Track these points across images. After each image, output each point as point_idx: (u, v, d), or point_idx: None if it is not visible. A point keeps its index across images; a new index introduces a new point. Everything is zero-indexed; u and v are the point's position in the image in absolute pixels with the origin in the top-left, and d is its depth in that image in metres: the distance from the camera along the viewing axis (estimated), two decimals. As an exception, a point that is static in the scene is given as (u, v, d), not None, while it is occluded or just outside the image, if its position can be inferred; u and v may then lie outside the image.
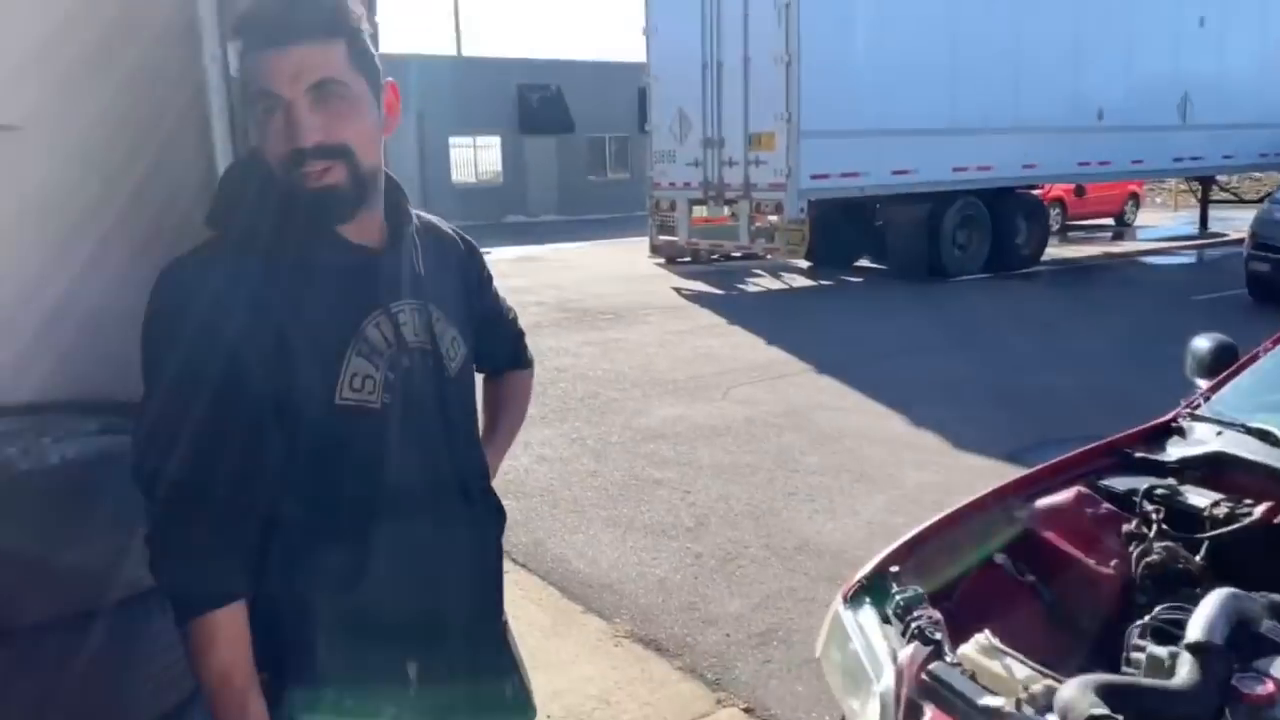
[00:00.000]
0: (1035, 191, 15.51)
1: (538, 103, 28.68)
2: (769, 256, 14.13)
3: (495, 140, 28.55)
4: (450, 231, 1.57)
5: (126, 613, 1.87)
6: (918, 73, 12.95)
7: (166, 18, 2.18)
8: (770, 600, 3.98)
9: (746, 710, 3.21)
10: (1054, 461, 2.44)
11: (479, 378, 1.61)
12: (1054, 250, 16.39)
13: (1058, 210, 18.75)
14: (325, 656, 1.33)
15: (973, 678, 1.69)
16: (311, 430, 1.30)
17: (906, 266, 13.71)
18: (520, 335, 1.77)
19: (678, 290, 13.15)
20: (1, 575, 1.73)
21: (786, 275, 14.61)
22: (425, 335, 1.41)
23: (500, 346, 1.72)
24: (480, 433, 1.59)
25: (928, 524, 2.25)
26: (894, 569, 2.05)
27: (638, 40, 14.45)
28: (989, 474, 5.30)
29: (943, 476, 5.41)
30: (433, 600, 1.40)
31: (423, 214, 1.52)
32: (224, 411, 1.24)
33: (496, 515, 1.52)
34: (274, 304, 1.27)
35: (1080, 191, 18.69)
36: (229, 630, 1.24)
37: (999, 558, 2.19)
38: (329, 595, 1.32)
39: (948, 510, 2.29)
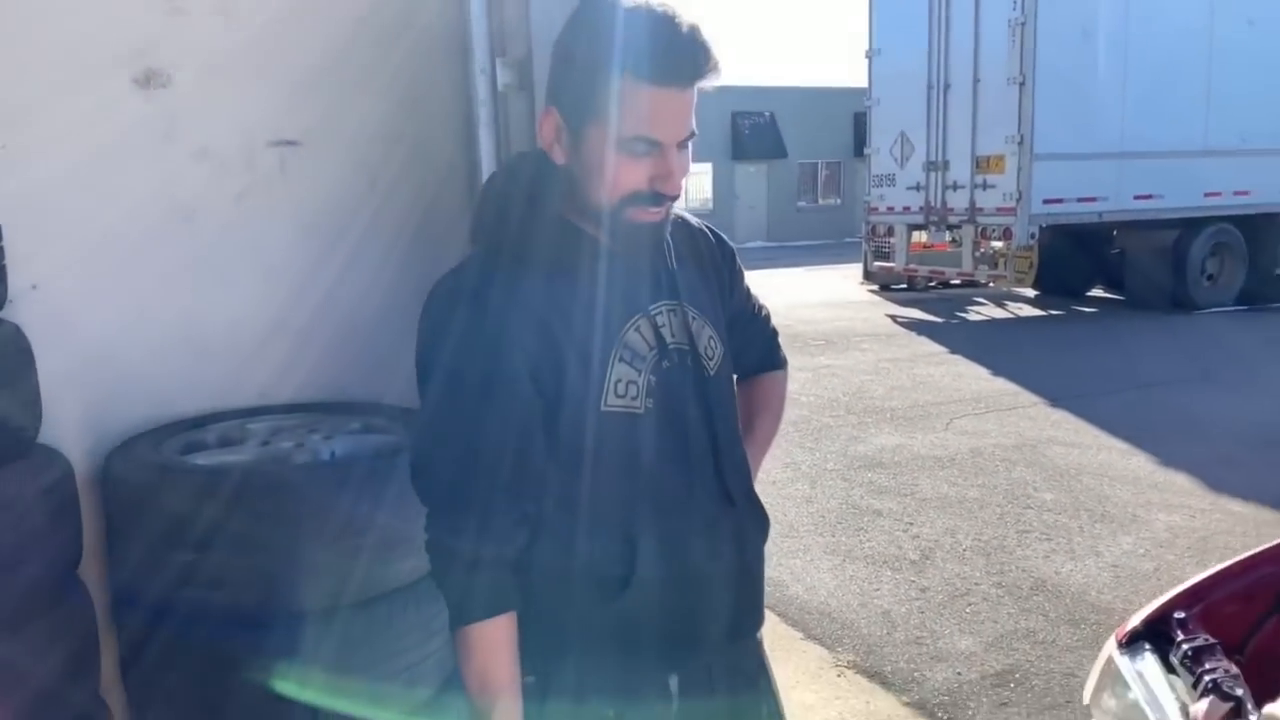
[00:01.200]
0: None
1: (750, 129, 28.81)
2: (993, 284, 13.48)
3: (708, 167, 28.86)
4: (699, 226, 1.53)
5: (387, 605, 1.95)
6: (1167, 90, 12.05)
7: (438, 33, 2.30)
8: (1004, 640, 3.73)
9: (982, 756, 3.01)
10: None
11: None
12: (1321, 282, 14.79)
13: (1326, 239, 16.91)
14: (589, 665, 1.32)
15: (1285, 742, 1.49)
16: (578, 437, 1.29)
17: (1146, 297, 12.74)
18: (774, 334, 1.69)
19: (893, 317, 12.77)
20: (275, 564, 1.83)
21: (1011, 304, 13.91)
22: (683, 336, 1.38)
23: (753, 345, 1.65)
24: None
25: (1216, 570, 2.02)
26: (1179, 615, 1.85)
27: (855, 66, 14.21)
28: (1255, 522, 4.83)
29: (1199, 522, 4.94)
30: (696, 608, 1.36)
31: (674, 210, 1.50)
32: (499, 420, 1.24)
33: (761, 520, 1.47)
34: (542, 313, 1.27)
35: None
36: (495, 638, 1.24)
37: (1303, 611, 1.94)
38: (594, 601, 1.31)
39: (1241, 555, 2.06)
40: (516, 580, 1.27)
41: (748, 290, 1.62)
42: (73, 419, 2.09)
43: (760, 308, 1.67)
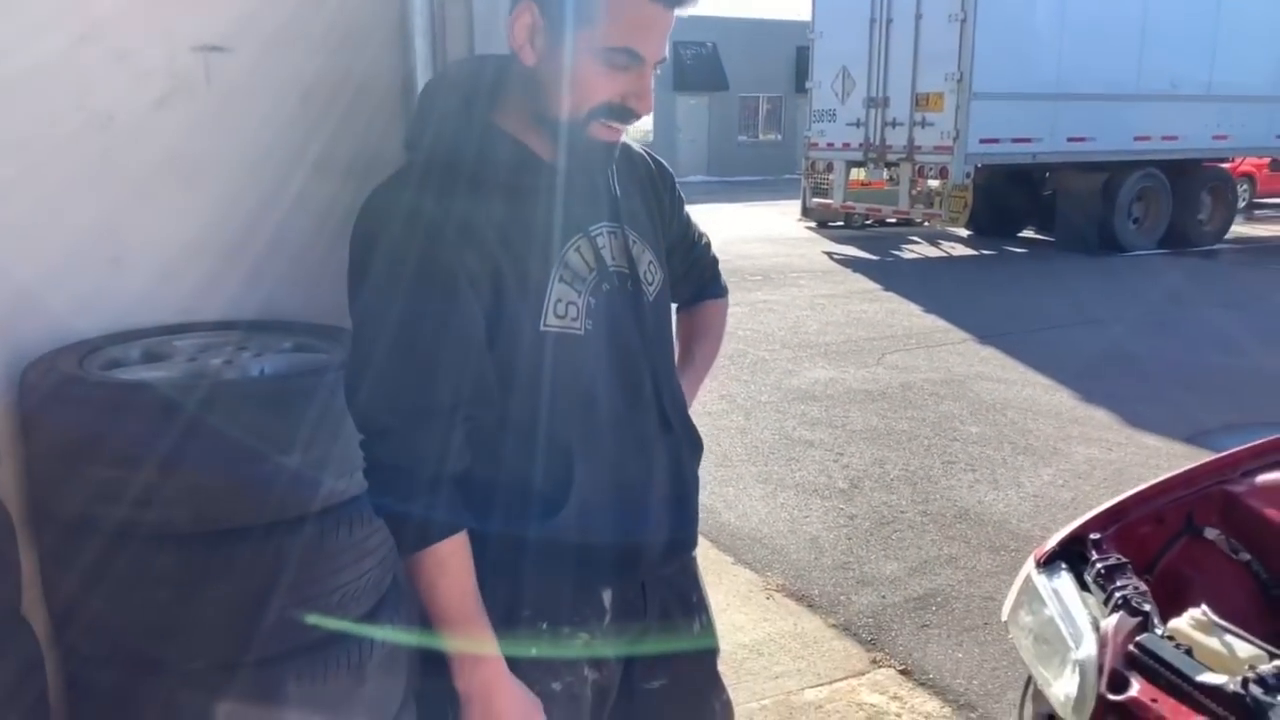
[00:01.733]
0: (1224, 165, 14.45)
1: (691, 59, 28.45)
2: (927, 223, 13.67)
3: (649, 98, 28.47)
4: (641, 151, 1.50)
5: (319, 524, 1.93)
6: (1103, 34, 12.21)
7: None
8: (928, 565, 3.86)
9: (903, 672, 3.12)
10: (1276, 438, 2.24)
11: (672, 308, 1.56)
12: (1239, 229, 15.29)
13: (1245, 186, 17.44)
14: (523, 580, 1.32)
15: (1188, 653, 1.57)
16: (516, 356, 1.27)
17: (1076, 239, 13.03)
18: (714, 262, 1.69)
19: (829, 254, 12.88)
20: (210, 481, 1.80)
21: (945, 243, 14.12)
22: (623, 259, 1.36)
23: (693, 273, 1.64)
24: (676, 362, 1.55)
25: (1129, 494, 2.10)
26: (1094, 536, 1.92)
27: (801, -4, 14.09)
28: (1168, 455, 5.03)
29: (1115, 455, 5.12)
30: (631, 527, 1.37)
31: None
32: (440, 337, 1.21)
33: (695, 444, 1.47)
34: (481, 228, 1.23)
35: (1277, 166, 17.29)
36: (457, 559, 1.22)
37: (1210, 533, 2.03)
38: (529, 518, 1.30)
39: (1153, 481, 2.14)
40: (465, 506, 1.25)
41: (688, 218, 1.60)
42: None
43: (701, 235, 1.65)
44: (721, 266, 1.70)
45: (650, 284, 1.40)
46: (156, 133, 2.24)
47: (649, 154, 1.52)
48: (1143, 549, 2.01)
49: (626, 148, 1.46)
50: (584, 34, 1.20)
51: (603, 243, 1.35)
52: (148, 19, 2.18)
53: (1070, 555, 1.95)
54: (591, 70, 1.21)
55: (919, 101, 12.31)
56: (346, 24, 2.31)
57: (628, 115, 1.25)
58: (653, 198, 1.48)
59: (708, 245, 1.68)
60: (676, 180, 1.57)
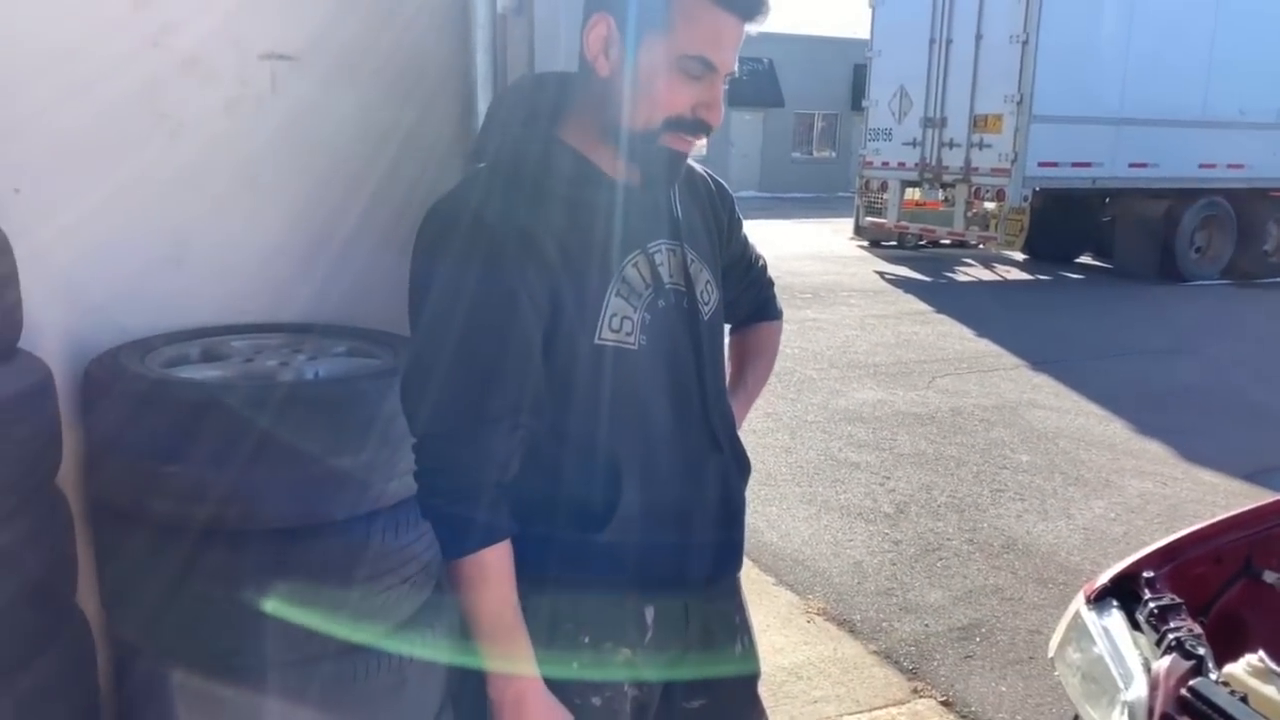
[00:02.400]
0: (1292, 195, 14.09)
1: (748, 75, 28.42)
2: (983, 246, 13.48)
3: (704, 112, 28.53)
4: (702, 172, 1.51)
5: (366, 526, 1.95)
6: (1169, 58, 11.98)
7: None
8: (973, 595, 3.79)
9: (944, 703, 3.07)
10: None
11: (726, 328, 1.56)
12: (1308, 261, 14.87)
13: (1316, 217, 16.96)
14: (566, 592, 1.32)
15: (1244, 700, 1.52)
16: (570, 367, 1.28)
17: (1135, 267, 12.79)
18: (769, 284, 1.70)
19: (881, 274, 12.77)
20: (255, 478, 1.83)
21: (999, 267, 13.93)
22: (680, 277, 1.37)
23: (748, 294, 1.65)
24: (726, 383, 1.55)
25: (1185, 532, 2.05)
26: (1148, 574, 1.88)
27: (857, 15, 14.02)
28: (1226, 493, 4.90)
29: (1170, 490, 5.01)
30: (677, 545, 1.37)
31: None
32: (497, 349, 1.22)
33: (743, 466, 1.47)
34: (542, 241, 1.24)
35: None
36: (499, 568, 1.23)
37: (1270, 577, 1.97)
38: (575, 531, 1.30)
39: (1210, 520, 2.08)
40: (511, 514, 1.26)
41: (745, 239, 1.61)
42: (54, 326, 2.06)
43: (757, 258, 1.66)
44: (767, 262, 1.71)
45: (706, 303, 1.40)
46: (223, 138, 2.29)
47: (710, 175, 1.53)
48: (1198, 590, 1.96)
49: (689, 167, 1.47)
50: (659, 43, 1.22)
51: (661, 259, 1.35)
52: (218, 26, 2.24)
53: (1122, 593, 1.91)
54: (666, 79, 1.22)
55: (977, 123, 12.18)
56: (412, 41, 2.35)
57: (700, 127, 1.26)
58: (712, 218, 1.49)
59: (764, 267, 1.69)
60: (736, 200, 1.57)
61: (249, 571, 1.81)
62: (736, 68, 1.26)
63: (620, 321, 1.29)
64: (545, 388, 1.27)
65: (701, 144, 1.32)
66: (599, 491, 1.30)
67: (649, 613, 1.37)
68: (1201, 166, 12.55)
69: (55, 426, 1.88)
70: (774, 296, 1.72)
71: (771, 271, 1.72)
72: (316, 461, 1.84)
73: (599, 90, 1.27)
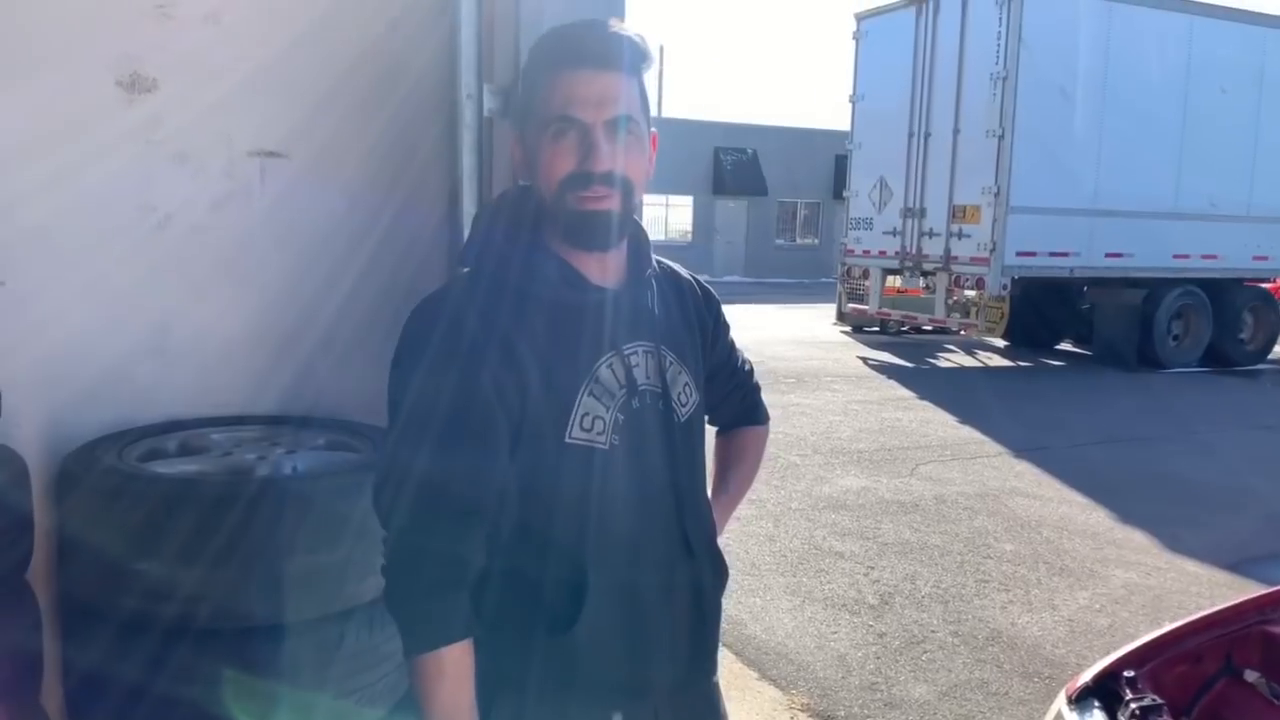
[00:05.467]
0: (1265, 285, 14.36)
1: (731, 165, 29.04)
2: (964, 333, 13.64)
3: (688, 200, 29.06)
4: (688, 278, 1.54)
5: (337, 625, 1.93)
6: (1140, 152, 12.32)
7: (428, 58, 2.31)
8: (958, 690, 3.74)
9: (931, 806, 3.00)
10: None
11: (711, 432, 1.57)
12: (1282, 349, 15.10)
13: (1289, 306, 17.27)
14: (530, 697, 1.30)
15: (1228, 806, 1.50)
16: (539, 467, 1.29)
17: (1114, 354, 12.92)
18: (755, 389, 1.70)
19: (864, 360, 12.87)
20: (227, 576, 1.81)
21: (981, 353, 14.06)
22: (657, 379, 1.38)
23: (733, 399, 1.66)
24: (709, 487, 1.54)
25: (1167, 629, 2.04)
26: (1129, 673, 1.86)
27: (838, 109, 14.41)
28: (1209, 583, 4.88)
29: (1154, 580, 4.99)
30: (646, 651, 1.36)
31: (663, 260, 1.50)
32: (466, 450, 1.24)
33: (719, 570, 1.46)
34: (519, 346, 1.27)
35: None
36: (456, 668, 1.22)
37: (1250, 675, 1.96)
38: (542, 637, 1.29)
39: (1192, 616, 2.08)
40: (472, 615, 1.25)
41: (731, 344, 1.63)
42: (31, 419, 2.05)
43: (744, 362, 1.68)
44: (754, 368, 1.72)
45: (684, 405, 1.41)
46: (209, 230, 2.33)
47: (696, 280, 1.55)
48: (1180, 688, 1.94)
49: (675, 273, 1.51)
50: (532, 127, 1.31)
51: (636, 361, 1.36)
52: (209, 125, 2.29)
53: (1104, 691, 1.89)
54: (545, 151, 1.29)
55: (956, 213, 12.42)
56: (396, 134, 2.41)
57: (587, 178, 1.27)
58: (696, 322, 1.50)
59: (750, 372, 1.70)
60: (722, 307, 1.59)
61: (218, 672, 1.78)
62: (625, 111, 1.28)
63: (592, 421, 1.30)
64: (514, 486, 1.27)
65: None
66: (564, 593, 1.29)
67: (616, 719, 1.35)
68: (1176, 256, 12.79)
69: (28, 519, 1.87)
70: (760, 402, 1.72)
71: (755, 356, 1.74)
72: (290, 558, 1.83)
73: (535, 193, 1.34)
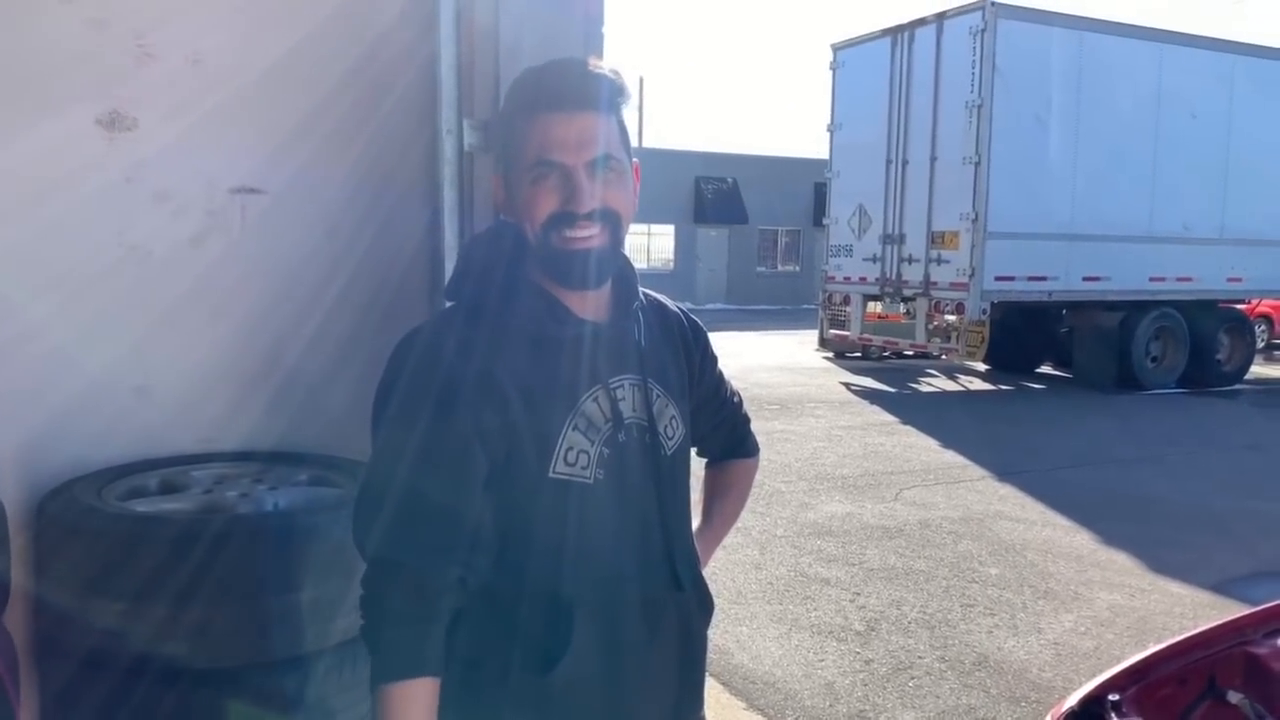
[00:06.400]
0: (1239, 306, 14.55)
1: (712, 194, 29.24)
2: (945, 357, 13.72)
3: (669, 229, 29.21)
4: (675, 310, 1.54)
5: (323, 662, 1.91)
6: (1114, 177, 12.51)
7: (409, 93, 2.32)
8: (946, 716, 3.73)
9: (921, 835, 2.98)
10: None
11: (699, 464, 1.57)
12: (1258, 369, 15.25)
13: (1264, 327, 17.51)
14: None
15: (1214, 830, 1.50)
16: (523, 501, 1.28)
17: (1093, 376, 13.04)
18: (744, 421, 1.70)
19: (846, 385, 12.91)
20: (214, 615, 1.79)
21: (962, 377, 14.13)
22: (643, 412, 1.37)
23: (721, 431, 1.66)
24: (694, 519, 1.54)
25: (1150, 652, 2.05)
26: (1113, 697, 1.87)
27: (816, 138, 14.55)
28: (1193, 604, 4.90)
29: (1139, 602, 5.00)
30: (631, 690, 1.35)
31: (649, 292, 1.50)
32: (444, 486, 1.24)
33: (705, 605, 1.46)
34: (501, 381, 1.26)
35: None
36: (420, 703, 1.20)
37: (1234, 697, 1.97)
38: (524, 673, 1.28)
39: (1176, 638, 2.09)
40: (447, 643, 1.24)
41: (720, 375, 1.63)
42: (9, 459, 2.04)
43: (733, 393, 1.67)
44: (743, 399, 1.71)
45: (670, 438, 1.40)
46: (190, 268, 2.32)
47: (684, 312, 1.55)
48: (1164, 711, 1.95)
49: (662, 305, 1.51)
50: (515, 170, 1.31)
51: (622, 394, 1.36)
52: (188, 162, 2.29)
53: (1089, 716, 1.89)
54: (527, 193, 1.30)
55: (935, 239, 12.54)
56: (372, 164, 2.41)
57: (570, 217, 1.28)
58: (683, 355, 1.50)
59: (739, 404, 1.69)
60: (709, 339, 1.59)
61: (203, 713, 1.76)
62: (605, 151, 1.29)
63: (576, 455, 1.29)
64: (496, 522, 1.27)
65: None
66: (548, 630, 1.28)
67: None
68: (1152, 279, 12.95)
69: (4, 561, 1.85)
70: (750, 434, 1.72)
71: (739, 383, 1.73)
72: (270, 596, 1.81)
73: (520, 231, 1.34)
